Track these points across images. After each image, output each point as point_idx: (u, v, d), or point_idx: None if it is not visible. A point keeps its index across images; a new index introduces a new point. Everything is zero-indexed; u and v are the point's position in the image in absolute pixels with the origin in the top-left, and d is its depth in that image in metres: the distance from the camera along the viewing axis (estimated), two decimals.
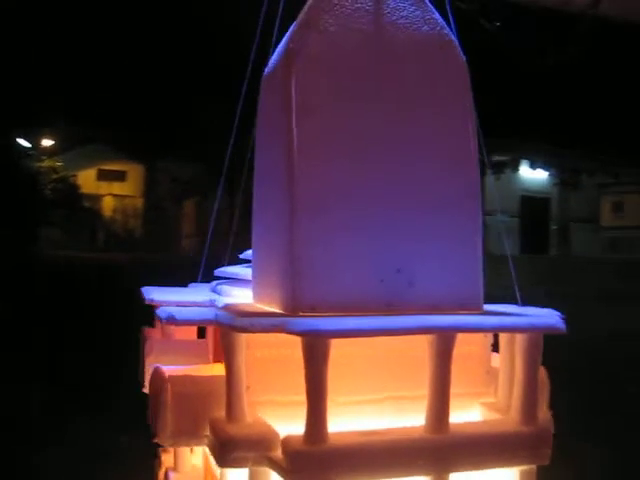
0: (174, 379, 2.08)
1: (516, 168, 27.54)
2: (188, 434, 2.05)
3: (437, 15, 2.33)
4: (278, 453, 1.85)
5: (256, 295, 2.43)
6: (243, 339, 1.99)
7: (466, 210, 2.23)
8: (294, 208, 2.04)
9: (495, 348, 2.32)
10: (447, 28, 2.33)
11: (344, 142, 2.12)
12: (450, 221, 2.20)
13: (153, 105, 24.70)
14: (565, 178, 28.18)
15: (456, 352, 2.16)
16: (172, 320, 2.08)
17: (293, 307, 2.03)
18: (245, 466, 1.88)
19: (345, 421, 1.98)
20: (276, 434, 1.88)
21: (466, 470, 1.92)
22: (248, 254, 2.98)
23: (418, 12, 2.30)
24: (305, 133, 2.07)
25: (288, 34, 2.28)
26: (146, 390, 2.75)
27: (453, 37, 2.33)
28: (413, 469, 1.85)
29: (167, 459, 3.00)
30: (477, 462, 1.92)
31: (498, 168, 24.53)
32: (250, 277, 2.74)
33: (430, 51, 2.29)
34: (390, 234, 2.13)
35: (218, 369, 2.41)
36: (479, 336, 2.26)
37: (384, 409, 2.10)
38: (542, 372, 2.23)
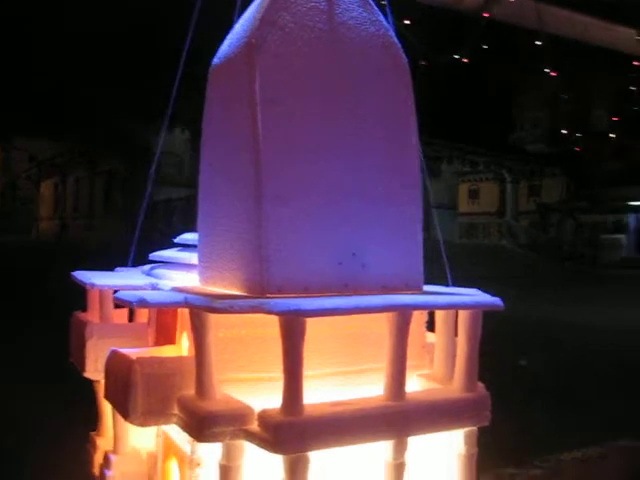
0: (142, 360, 2.13)
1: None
2: (157, 413, 2.12)
3: (382, 18, 2.51)
4: (254, 426, 1.98)
5: (206, 278, 2.51)
6: (213, 320, 2.09)
7: (408, 200, 2.44)
8: (261, 196, 2.15)
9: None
10: (391, 30, 2.52)
11: (304, 135, 2.26)
12: (395, 210, 2.40)
13: (11, 82, 23.12)
14: (425, 165, 29.67)
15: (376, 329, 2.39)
16: (144, 303, 2.13)
17: (261, 289, 2.15)
18: (222, 440, 1.98)
19: (308, 394, 2.13)
20: (251, 409, 2.00)
21: (422, 433, 2.15)
22: (184, 238, 3.04)
23: (365, 14, 2.47)
24: (269, 125, 2.19)
25: (244, 28, 2.36)
26: (90, 374, 2.76)
27: (395, 39, 2.52)
28: (378, 434, 2.05)
29: (103, 443, 3.00)
30: (431, 426, 2.16)
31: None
32: (190, 261, 2.82)
33: (376, 50, 2.47)
34: (345, 221, 2.30)
35: (170, 350, 2.49)
36: (416, 314, 2.49)
37: (339, 382, 2.28)
38: None
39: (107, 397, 2.36)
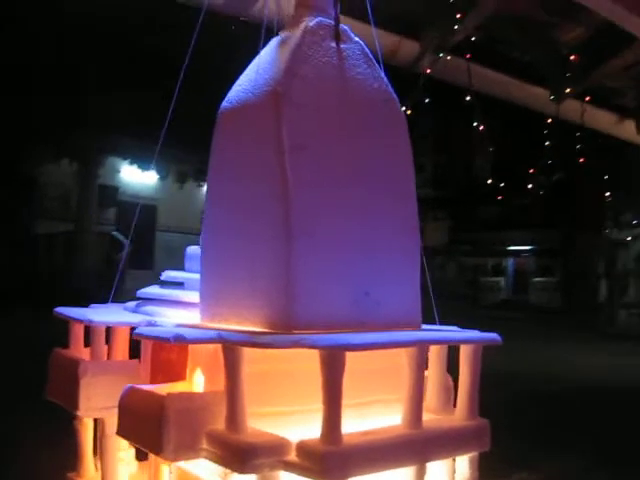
0: (173, 396, 2.16)
1: None
2: (188, 448, 2.15)
3: (383, 74, 2.73)
4: (293, 457, 2.06)
5: (212, 316, 2.56)
6: (246, 356, 2.16)
7: (410, 245, 2.64)
8: (290, 236, 2.27)
9: None
10: (390, 87, 2.74)
11: (327, 180, 2.41)
12: (400, 253, 2.59)
13: None
14: None
15: (390, 363, 2.56)
16: (182, 340, 2.16)
17: (287, 325, 2.25)
18: (262, 472, 2.05)
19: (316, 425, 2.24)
20: (288, 440, 2.09)
21: (438, 459, 2.31)
22: (170, 276, 3.07)
23: (369, 70, 2.68)
24: (297, 170, 2.32)
25: (265, 77, 2.49)
26: (83, 412, 2.70)
27: (394, 95, 2.74)
28: (405, 460, 2.19)
29: None
30: (445, 452, 2.33)
31: None
32: (184, 299, 2.86)
33: (380, 105, 2.67)
34: (359, 263, 2.45)
35: (182, 387, 2.51)
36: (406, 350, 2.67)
37: (352, 414, 2.40)
38: (449, 379, 2.71)
39: (123, 434, 2.34)
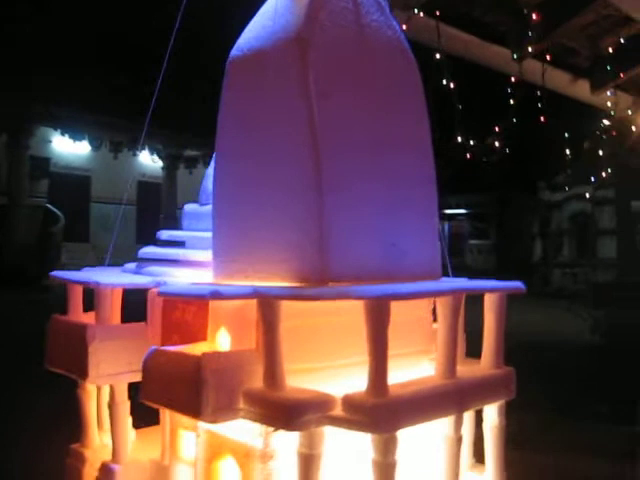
0: (209, 356, 2.07)
1: (208, 163, 28.31)
2: (226, 409, 2.07)
3: (395, 23, 2.66)
4: (338, 411, 2.02)
5: (231, 273, 2.45)
6: (283, 311, 2.09)
7: (429, 195, 2.60)
8: (321, 187, 2.19)
9: None
10: (402, 35, 2.67)
11: (354, 128, 2.33)
12: (422, 203, 2.56)
13: None
14: None
15: (411, 316, 2.54)
16: (219, 296, 2.07)
17: (321, 279, 2.18)
18: (308, 428, 1.99)
19: (347, 380, 2.21)
20: (332, 395, 2.04)
21: (473, 408, 2.31)
22: (171, 235, 2.95)
23: (382, 18, 2.60)
24: (325, 118, 2.24)
25: (282, 23, 2.38)
26: (93, 379, 2.57)
27: (407, 44, 2.67)
28: (446, 410, 2.18)
29: (91, 455, 2.80)
30: (479, 400, 2.34)
31: (190, 163, 24.97)
32: (189, 258, 2.76)
33: (394, 53, 2.60)
34: (386, 213, 2.40)
35: (205, 347, 2.41)
36: (425, 302, 2.66)
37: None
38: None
39: (150, 399, 2.23)
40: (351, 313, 2.30)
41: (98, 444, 2.86)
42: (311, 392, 2.06)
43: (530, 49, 6.15)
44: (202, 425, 2.30)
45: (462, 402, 2.24)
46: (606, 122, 11.68)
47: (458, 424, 2.23)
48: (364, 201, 2.33)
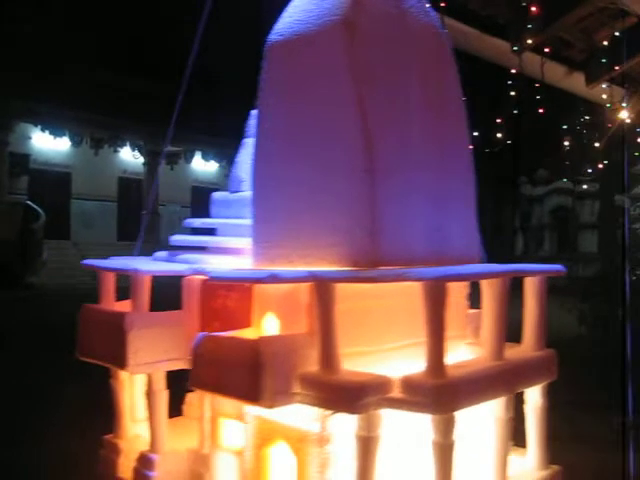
0: (266, 340, 2.05)
1: (189, 159, 28.00)
2: (283, 393, 2.05)
3: (431, 9, 2.66)
4: (396, 393, 2.02)
5: (272, 257, 2.42)
6: (339, 294, 2.08)
7: (470, 180, 2.61)
8: (372, 169, 2.18)
9: None
10: (438, 21, 2.67)
11: (395, 110, 2.33)
12: (463, 189, 2.57)
13: None
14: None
15: (449, 301, 2.55)
16: (277, 279, 2.05)
17: (372, 262, 2.18)
18: (369, 411, 1.99)
19: (395, 363, 2.21)
20: (390, 377, 2.03)
21: (521, 388, 2.33)
22: (203, 222, 2.92)
23: (419, 4, 2.60)
24: (374, 100, 2.23)
25: (325, 6, 2.36)
26: (132, 368, 2.54)
27: (443, 30, 2.67)
28: (498, 391, 2.19)
29: (126, 446, 2.76)
30: (527, 381, 2.35)
31: (171, 159, 24.72)
32: (225, 245, 2.74)
33: (431, 39, 2.60)
34: (431, 198, 2.40)
35: (251, 333, 2.39)
36: (461, 287, 2.67)
37: (416, 352, 2.36)
38: None
39: (201, 386, 2.21)
40: (397, 297, 2.31)
41: (132, 435, 2.82)
42: (368, 375, 2.06)
43: (529, 41, 6.20)
44: (251, 411, 2.29)
45: (512, 383, 2.26)
46: (587, 117, 11.79)
47: (509, 405, 2.24)
48: (412, 186, 2.33)
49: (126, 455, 2.74)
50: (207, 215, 2.96)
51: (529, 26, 6.20)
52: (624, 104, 7.13)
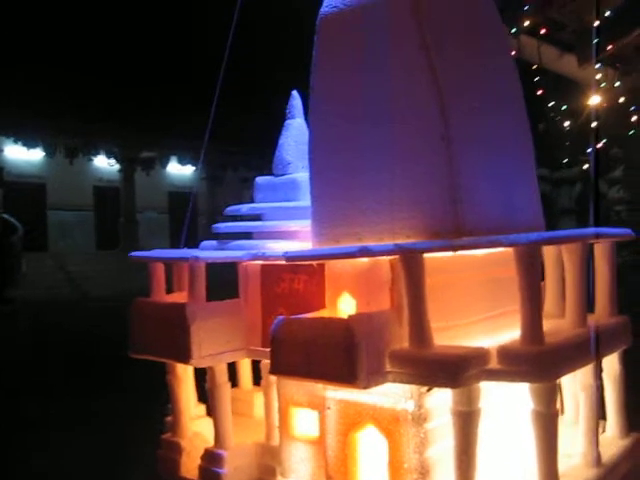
0: (358, 319, 1.97)
1: (165, 164, 27.66)
2: (377, 373, 1.97)
3: None
4: (494, 365, 1.95)
5: (342, 236, 2.31)
6: (426, 267, 2.00)
7: (530, 154, 2.56)
8: (450, 138, 2.11)
9: None
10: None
11: (469, 81, 2.26)
12: (526, 161, 2.52)
13: None
14: (212, 173, 29.42)
15: (512, 274, 2.49)
16: (368, 252, 1.97)
17: (455, 231, 2.10)
18: (470, 384, 1.92)
19: (477, 337, 2.15)
20: (486, 349, 1.96)
21: (606, 355, 2.28)
22: (248, 207, 2.82)
23: None
24: (445, 70, 2.16)
25: None
26: (196, 361, 2.43)
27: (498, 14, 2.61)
28: (588, 357, 2.14)
29: (187, 445, 2.65)
30: (609, 348, 2.30)
31: (147, 164, 24.39)
32: (280, 228, 2.65)
33: (490, 20, 2.53)
34: (502, 168, 2.35)
35: (327, 314, 2.29)
36: None
37: (490, 326, 2.31)
38: None
39: (285, 372, 2.11)
40: (474, 269, 2.25)
41: (192, 434, 2.71)
42: (466, 347, 1.99)
43: (527, 22, 6.19)
44: (333, 396, 2.20)
45: (601, 349, 2.20)
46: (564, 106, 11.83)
47: (597, 371, 2.19)
48: (483, 153, 2.27)
49: (188, 454, 2.63)
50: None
51: (525, 8, 6.20)
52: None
